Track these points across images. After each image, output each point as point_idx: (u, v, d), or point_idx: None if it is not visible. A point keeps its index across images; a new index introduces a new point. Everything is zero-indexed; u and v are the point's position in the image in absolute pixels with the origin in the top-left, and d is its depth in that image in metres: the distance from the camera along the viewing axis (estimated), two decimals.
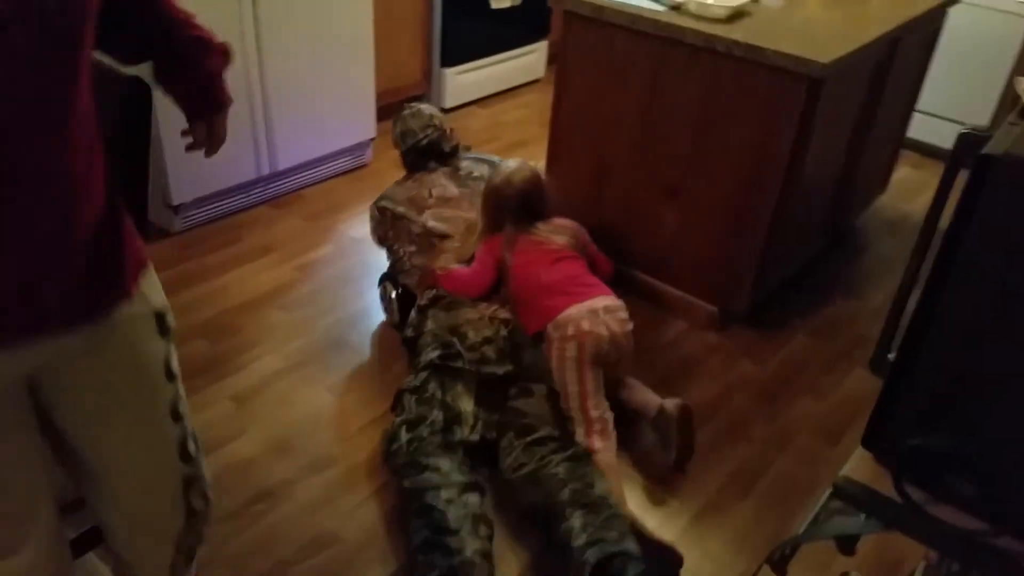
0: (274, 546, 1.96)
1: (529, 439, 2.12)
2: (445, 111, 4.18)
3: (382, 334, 2.62)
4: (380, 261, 2.85)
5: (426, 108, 2.87)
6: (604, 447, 2.15)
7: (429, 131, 2.80)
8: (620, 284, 2.90)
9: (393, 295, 2.69)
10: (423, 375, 2.22)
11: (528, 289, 2.33)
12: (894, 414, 1.09)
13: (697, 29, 2.47)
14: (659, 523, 2.10)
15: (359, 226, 3.17)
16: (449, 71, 4.18)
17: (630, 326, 2.31)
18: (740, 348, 2.78)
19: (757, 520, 2.15)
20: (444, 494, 1.93)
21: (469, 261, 2.46)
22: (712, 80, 2.51)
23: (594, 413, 2.18)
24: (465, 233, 2.57)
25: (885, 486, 1.09)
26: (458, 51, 4.19)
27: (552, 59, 4.82)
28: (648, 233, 2.85)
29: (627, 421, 2.34)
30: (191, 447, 1.39)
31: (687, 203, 2.71)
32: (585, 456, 2.09)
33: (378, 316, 2.76)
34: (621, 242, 2.93)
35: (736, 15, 2.59)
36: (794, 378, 2.68)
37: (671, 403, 2.26)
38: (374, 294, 2.83)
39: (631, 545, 1.85)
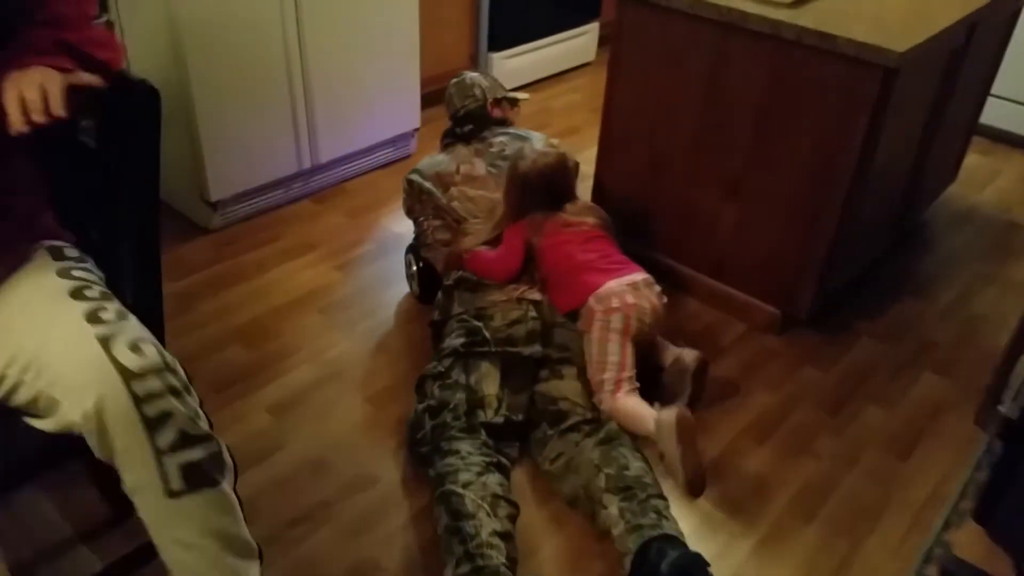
0: (312, 574, 1.87)
1: (563, 427, 2.12)
2: None
3: (426, 339, 2.50)
4: None
5: (471, 77, 2.75)
6: (629, 391, 2.15)
7: (468, 102, 2.71)
8: (674, 282, 2.78)
9: (414, 268, 2.67)
10: (447, 361, 2.20)
11: (562, 268, 2.30)
12: (1015, 486, 0.94)
13: (762, 15, 2.30)
14: (718, 552, 1.96)
15: (402, 221, 3.05)
16: (497, 55, 4.04)
17: (665, 299, 2.31)
18: (801, 353, 2.62)
19: (824, 547, 2.00)
20: (463, 477, 1.91)
21: (494, 242, 2.41)
22: (777, 69, 2.34)
23: (626, 387, 2.15)
24: (488, 214, 2.50)
25: (1000, 567, 0.95)
26: (506, 35, 4.04)
27: (603, 41, 4.65)
28: (705, 229, 2.70)
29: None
30: (105, 315, 1.33)
31: (748, 198, 2.55)
32: (617, 436, 2.07)
33: (422, 320, 2.64)
34: (676, 238, 2.78)
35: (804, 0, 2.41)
36: (860, 385, 2.52)
37: (689, 354, 2.28)
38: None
39: (669, 526, 1.86)
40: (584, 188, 2.92)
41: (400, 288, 2.79)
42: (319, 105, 3.05)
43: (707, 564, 1.78)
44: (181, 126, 2.75)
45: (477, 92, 2.71)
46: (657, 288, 2.28)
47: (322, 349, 2.50)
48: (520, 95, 2.84)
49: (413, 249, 2.71)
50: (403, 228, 2.97)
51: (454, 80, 2.76)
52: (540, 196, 2.37)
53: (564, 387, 2.18)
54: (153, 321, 1.47)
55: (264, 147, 2.95)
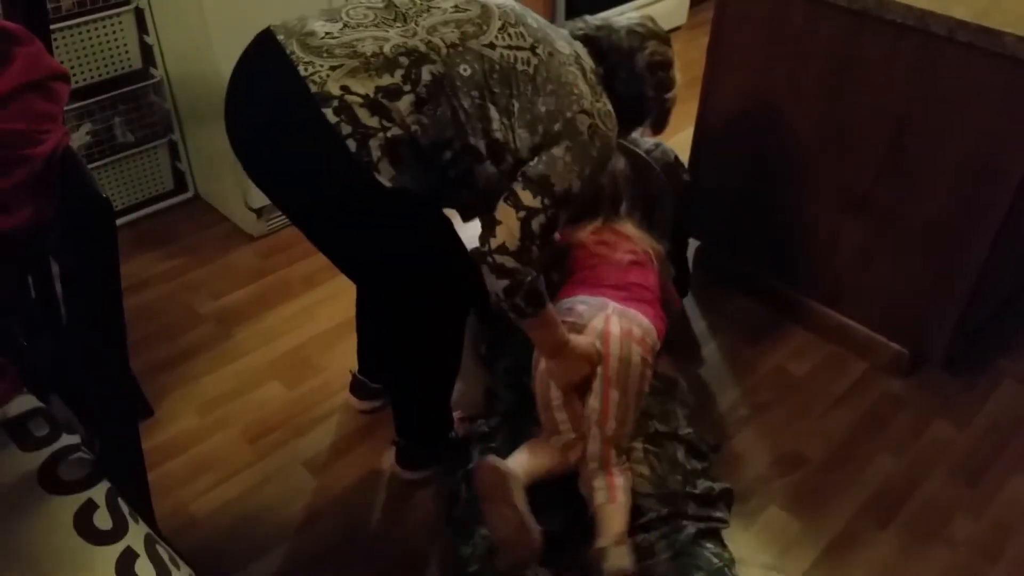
0: None
1: (638, 524, 1.76)
2: None
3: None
4: None
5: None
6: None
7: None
8: (780, 309, 2.39)
9: None
10: (495, 420, 1.99)
11: None
12: None
13: (905, 2, 1.85)
14: None
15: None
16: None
17: None
18: (933, 401, 2.21)
19: None
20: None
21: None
22: (923, 68, 1.90)
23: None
24: None
25: None
26: None
27: (696, 0, 4.19)
28: (821, 250, 2.28)
29: None
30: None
31: (877, 218, 2.12)
32: (690, 551, 1.73)
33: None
34: (784, 257, 2.37)
35: None
36: (1004, 446, 2.10)
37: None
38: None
39: None
40: None
41: None
42: None
43: None
44: (218, 123, 2.43)
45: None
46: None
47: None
48: None
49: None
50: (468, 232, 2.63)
51: None
52: None
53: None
54: (131, 476, 1.17)
55: None
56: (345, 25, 1.48)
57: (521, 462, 1.70)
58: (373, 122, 1.39)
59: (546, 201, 1.51)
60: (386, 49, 1.43)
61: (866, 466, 2.03)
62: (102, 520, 1.05)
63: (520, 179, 1.52)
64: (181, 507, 1.89)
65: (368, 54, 1.42)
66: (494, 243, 1.51)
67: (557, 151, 1.52)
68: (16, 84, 0.92)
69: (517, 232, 1.50)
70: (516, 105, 1.50)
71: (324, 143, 1.39)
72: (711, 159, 2.43)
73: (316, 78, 1.40)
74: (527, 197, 1.50)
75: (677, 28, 4.16)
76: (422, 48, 1.45)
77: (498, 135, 1.49)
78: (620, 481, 1.72)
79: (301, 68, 1.41)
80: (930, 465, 2.04)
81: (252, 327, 2.36)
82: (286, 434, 2.06)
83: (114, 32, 2.42)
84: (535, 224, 1.51)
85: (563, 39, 1.63)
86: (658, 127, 1.84)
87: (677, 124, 3.23)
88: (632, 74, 1.71)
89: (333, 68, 1.41)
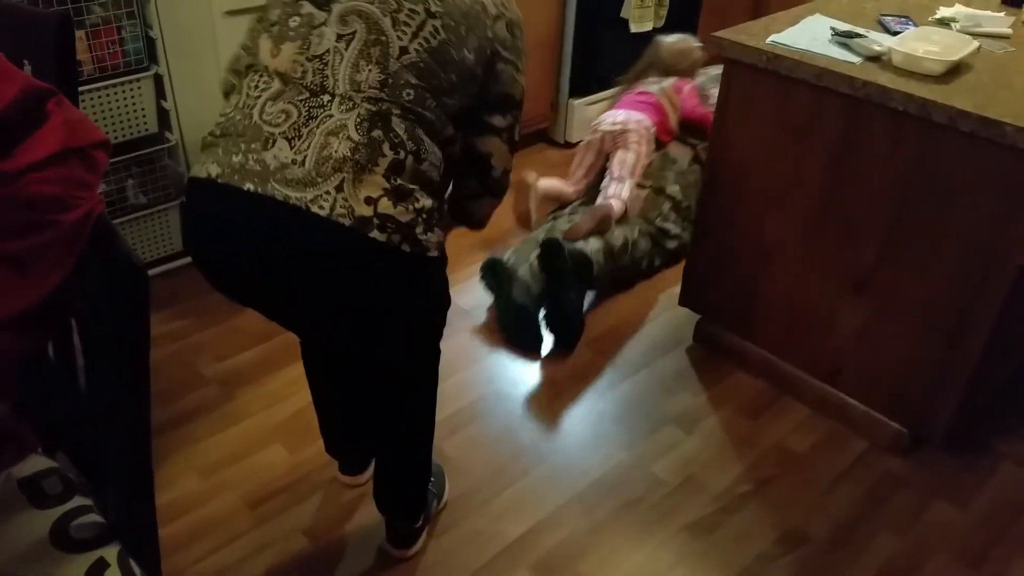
0: None
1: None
2: (569, 145, 3.70)
3: (501, 457, 2.17)
4: (482, 340, 2.40)
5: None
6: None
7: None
8: (780, 384, 2.41)
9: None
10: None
11: None
12: None
13: (906, 92, 1.92)
14: None
15: (469, 293, 2.75)
16: (578, 102, 3.69)
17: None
18: (933, 482, 2.22)
19: None
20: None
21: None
22: (924, 155, 1.96)
23: None
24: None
25: None
26: (590, 79, 3.70)
27: None
28: (820, 330, 2.31)
29: None
30: None
31: (878, 298, 2.16)
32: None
33: (498, 416, 2.31)
34: (784, 334, 2.40)
35: (954, 70, 2.03)
36: (1006, 529, 2.10)
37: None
38: (485, 391, 2.40)
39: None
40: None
41: (466, 375, 2.46)
42: None
43: (562, 248, 2.55)
44: None
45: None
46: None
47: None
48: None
49: None
50: (469, 302, 2.66)
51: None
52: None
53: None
54: (143, 539, 1.17)
55: None
56: (288, 139, 1.36)
57: (549, 183, 2.98)
58: (410, 215, 1.36)
59: (515, 112, 1.62)
60: (354, 136, 1.36)
61: (868, 546, 2.03)
62: None
63: (485, 107, 1.56)
64: (178, 572, 1.87)
65: (349, 153, 1.35)
66: (496, 173, 1.64)
67: (499, 66, 1.54)
68: (59, 148, 0.93)
69: (508, 152, 1.64)
70: (454, 77, 1.45)
71: (384, 265, 1.35)
72: (714, 234, 2.48)
73: (340, 209, 1.31)
74: (499, 120, 1.59)
75: None
76: (373, 108, 1.37)
77: (454, 108, 1.48)
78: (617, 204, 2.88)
79: (316, 208, 1.31)
80: (932, 547, 2.04)
81: (256, 390, 2.37)
82: (287, 500, 2.05)
83: (133, 96, 2.47)
84: (516, 135, 1.64)
85: None
86: None
87: None
88: None
89: (339, 188, 1.32)
